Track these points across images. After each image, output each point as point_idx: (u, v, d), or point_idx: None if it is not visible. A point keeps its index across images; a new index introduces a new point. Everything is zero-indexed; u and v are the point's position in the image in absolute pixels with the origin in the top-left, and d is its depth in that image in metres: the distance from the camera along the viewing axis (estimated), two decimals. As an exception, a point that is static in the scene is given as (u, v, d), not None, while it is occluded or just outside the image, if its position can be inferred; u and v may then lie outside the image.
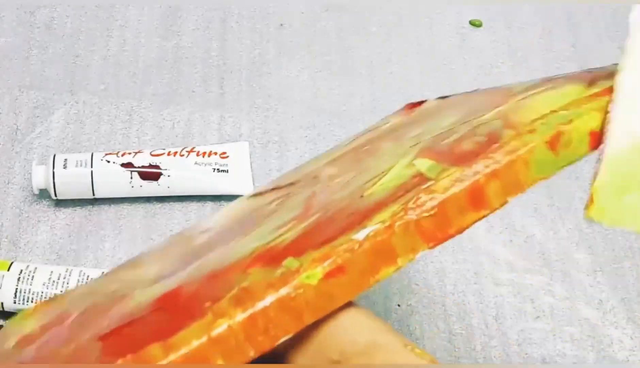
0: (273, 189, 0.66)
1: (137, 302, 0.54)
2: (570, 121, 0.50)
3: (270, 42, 0.99)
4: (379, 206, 0.50)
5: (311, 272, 0.48)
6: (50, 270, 0.75)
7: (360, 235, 0.48)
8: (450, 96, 0.70)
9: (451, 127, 0.57)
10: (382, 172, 0.55)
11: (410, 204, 0.49)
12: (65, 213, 0.84)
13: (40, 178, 0.82)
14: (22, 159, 0.87)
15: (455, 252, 0.82)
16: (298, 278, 0.48)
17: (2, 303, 0.75)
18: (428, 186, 0.50)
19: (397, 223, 0.49)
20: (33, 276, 0.75)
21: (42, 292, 0.74)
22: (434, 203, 0.49)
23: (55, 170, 0.82)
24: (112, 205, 0.84)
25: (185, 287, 0.52)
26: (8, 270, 0.75)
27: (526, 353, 0.76)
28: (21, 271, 0.75)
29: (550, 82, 0.58)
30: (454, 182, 0.50)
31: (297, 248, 0.50)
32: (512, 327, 0.77)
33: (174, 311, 0.50)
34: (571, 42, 0.99)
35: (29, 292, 0.75)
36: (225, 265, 0.52)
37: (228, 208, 0.67)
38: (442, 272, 0.81)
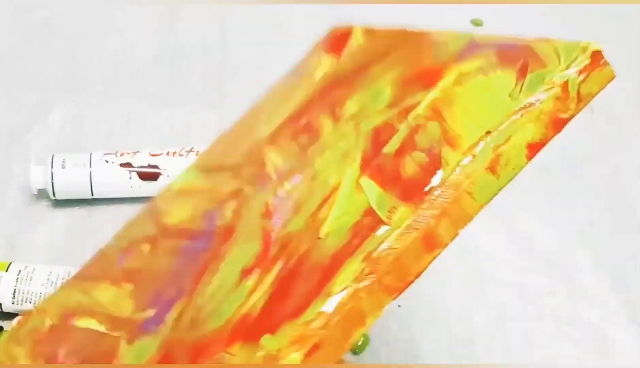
0: (220, 169, 0.66)
1: None
2: (508, 139, 0.51)
3: (271, 42, 0.98)
4: (338, 260, 0.51)
5: (291, 358, 0.48)
6: (49, 270, 0.75)
7: (328, 307, 0.49)
8: (375, 31, 0.68)
9: (388, 117, 0.57)
10: (332, 190, 0.55)
11: (369, 267, 0.49)
12: (64, 213, 0.83)
13: (38, 178, 0.82)
14: (20, 159, 0.87)
15: (457, 253, 0.82)
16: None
17: (0, 304, 0.75)
18: (382, 237, 0.50)
19: (363, 285, 0.49)
20: (32, 277, 0.75)
21: (41, 292, 0.74)
22: (392, 258, 0.50)
23: (53, 170, 0.82)
24: (111, 205, 0.84)
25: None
26: (6, 270, 0.75)
27: (528, 355, 0.76)
28: (20, 271, 0.75)
29: (480, 50, 0.58)
30: (407, 230, 0.50)
31: (271, 320, 0.51)
32: (513, 328, 0.77)
33: None
34: (573, 42, 0.99)
35: (28, 293, 0.74)
36: (206, 333, 0.52)
37: (176, 188, 0.67)
38: (444, 273, 0.80)
